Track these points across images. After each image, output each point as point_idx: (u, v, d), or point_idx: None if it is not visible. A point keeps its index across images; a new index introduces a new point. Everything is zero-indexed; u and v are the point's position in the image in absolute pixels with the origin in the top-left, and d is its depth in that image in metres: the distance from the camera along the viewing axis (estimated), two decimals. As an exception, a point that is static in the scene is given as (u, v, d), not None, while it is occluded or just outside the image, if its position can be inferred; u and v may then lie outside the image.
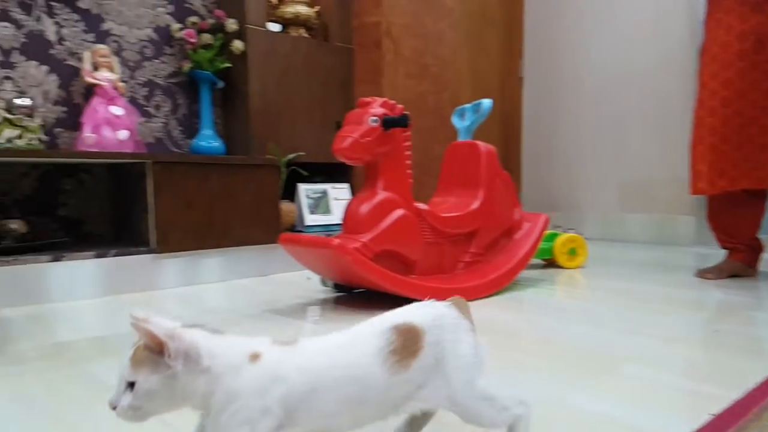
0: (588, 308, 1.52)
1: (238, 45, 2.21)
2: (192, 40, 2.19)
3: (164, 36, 2.26)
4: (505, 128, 3.60)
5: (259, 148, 2.28)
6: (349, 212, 1.53)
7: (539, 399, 0.86)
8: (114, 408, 0.55)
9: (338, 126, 1.54)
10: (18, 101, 1.84)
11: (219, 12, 2.26)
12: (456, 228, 1.67)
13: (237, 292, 1.88)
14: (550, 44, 3.46)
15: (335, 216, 2.52)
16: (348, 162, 1.48)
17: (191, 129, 2.34)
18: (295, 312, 1.59)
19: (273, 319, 1.49)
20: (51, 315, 1.56)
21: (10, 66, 1.92)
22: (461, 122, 1.91)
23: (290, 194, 2.42)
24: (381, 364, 0.58)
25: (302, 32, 2.48)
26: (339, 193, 2.58)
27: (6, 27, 1.91)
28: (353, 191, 2.60)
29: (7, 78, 1.92)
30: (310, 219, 2.45)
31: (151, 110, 2.25)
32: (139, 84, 2.20)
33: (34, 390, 0.97)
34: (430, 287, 1.55)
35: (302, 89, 2.42)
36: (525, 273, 2.07)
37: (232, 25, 2.22)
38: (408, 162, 1.57)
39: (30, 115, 1.86)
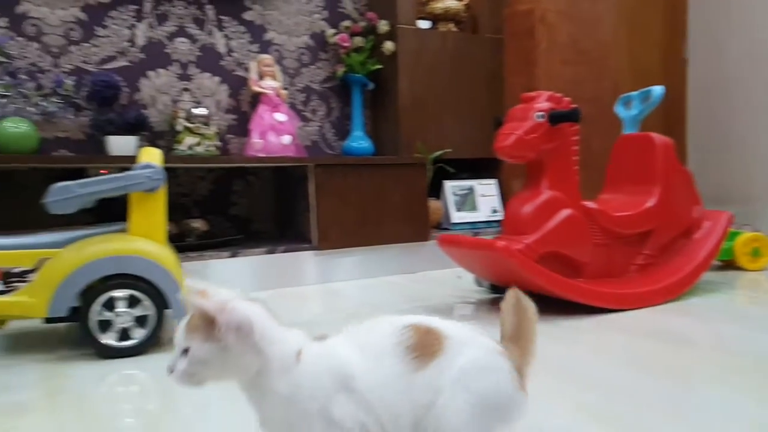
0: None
1: (388, 46, 2.26)
2: (345, 44, 2.28)
3: (319, 42, 2.38)
4: (668, 115, 3.31)
5: (407, 146, 2.32)
6: (511, 212, 1.50)
7: (722, 413, 0.78)
8: (171, 372, 0.57)
9: (498, 123, 1.51)
10: (195, 111, 2.05)
11: (371, 14, 2.33)
12: (628, 228, 1.57)
13: (389, 288, 1.93)
14: (717, 21, 3.11)
15: (482, 213, 2.50)
16: (510, 160, 1.45)
17: (343, 131, 2.45)
18: (450, 310, 1.60)
19: (428, 315, 1.51)
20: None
21: (188, 78, 2.14)
22: (627, 111, 1.79)
23: (436, 191, 2.44)
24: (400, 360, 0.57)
25: (451, 27, 2.48)
26: (486, 190, 2.55)
27: (183, 42, 2.13)
28: (501, 187, 2.56)
29: (186, 89, 2.14)
30: (457, 216, 2.45)
31: (308, 115, 2.38)
32: (297, 90, 2.34)
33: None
34: (599, 292, 1.47)
35: (450, 85, 2.43)
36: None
37: (383, 26, 2.28)
38: (575, 158, 1.50)
39: (206, 124, 2.05)
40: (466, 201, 2.50)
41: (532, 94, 1.48)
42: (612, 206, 1.59)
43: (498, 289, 1.70)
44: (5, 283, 1.16)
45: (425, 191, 2.23)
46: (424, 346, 0.59)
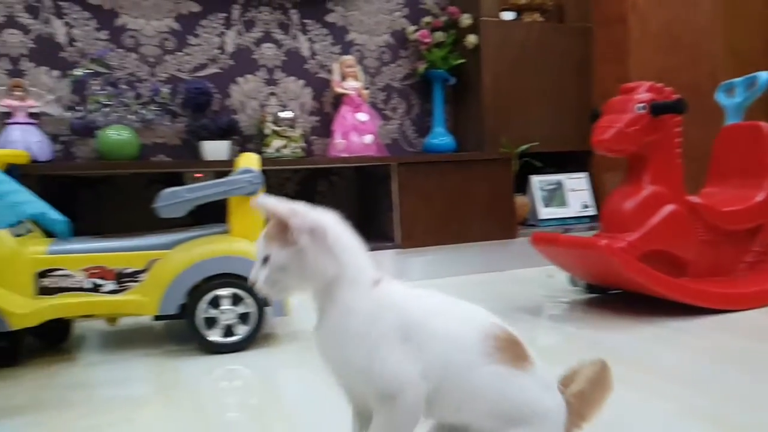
0: None
1: (471, 39, 2.25)
2: (426, 40, 2.30)
3: (400, 39, 2.40)
4: (774, 100, 3.09)
5: (491, 141, 2.30)
6: (611, 208, 1.46)
7: None
8: (254, 283, 0.60)
9: (594, 116, 1.47)
10: (282, 114, 2.13)
11: (452, 8, 2.33)
12: (736, 223, 1.50)
13: (474, 287, 1.93)
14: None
15: (572, 209, 2.44)
16: (610, 154, 1.42)
17: (423, 128, 2.46)
18: (538, 310, 1.58)
19: (517, 316, 1.50)
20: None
21: (274, 83, 2.22)
22: (729, 99, 1.70)
23: (523, 187, 2.40)
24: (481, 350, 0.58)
25: (536, 17, 2.43)
26: (576, 184, 2.49)
27: (270, 47, 2.21)
28: (592, 181, 2.49)
29: (272, 94, 2.22)
30: (545, 212, 2.41)
31: (389, 113, 2.41)
32: (378, 89, 2.38)
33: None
34: (705, 291, 1.41)
35: (536, 76, 2.38)
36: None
37: (466, 20, 2.27)
38: (678, 151, 1.44)
39: (292, 126, 2.13)
40: (555, 196, 2.45)
41: (632, 84, 1.43)
42: (718, 201, 1.52)
43: (595, 289, 1.67)
44: (118, 282, 1.26)
45: (511, 187, 2.20)
46: (515, 354, 0.60)
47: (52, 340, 1.38)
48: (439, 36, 2.31)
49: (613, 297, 1.65)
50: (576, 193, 2.47)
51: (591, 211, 2.46)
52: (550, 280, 1.94)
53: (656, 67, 2.36)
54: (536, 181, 2.43)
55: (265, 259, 0.59)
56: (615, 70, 2.36)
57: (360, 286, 0.59)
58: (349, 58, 2.22)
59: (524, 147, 2.31)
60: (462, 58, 2.32)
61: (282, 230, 0.58)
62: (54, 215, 1.10)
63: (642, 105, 1.37)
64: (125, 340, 1.44)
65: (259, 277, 0.60)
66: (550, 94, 2.42)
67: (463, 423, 0.60)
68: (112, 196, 1.99)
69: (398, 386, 0.56)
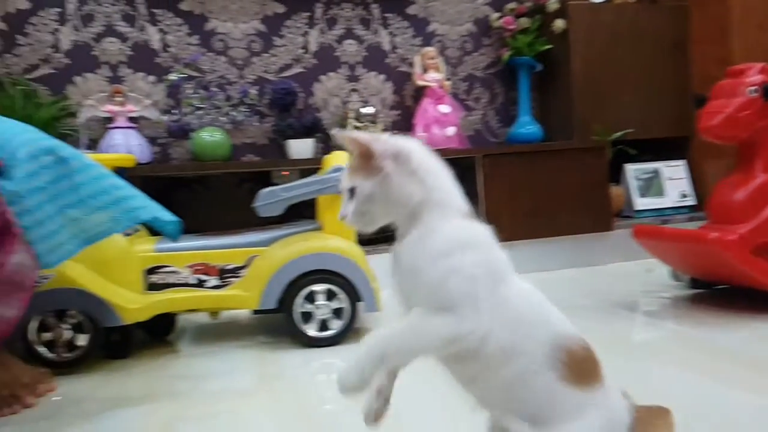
0: None
1: (559, 24, 2.20)
2: (511, 27, 2.27)
3: (482, 28, 2.39)
4: None
5: (581, 129, 2.24)
6: (720, 199, 1.40)
7: None
8: (343, 218, 0.60)
9: (699, 101, 1.41)
10: (363, 110, 2.17)
11: (539, -7, 2.29)
12: None
13: (566, 283, 1.90)
14: None
15: (669, 198, 2.34)
16: (718, 141, 1.36)
17: (507, 117, 2.43)
18: (634, 306, 1.53)
19: (613, 312, 1.47)
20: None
21: (356, 79, 2.27)
22: None
23: (616, 176, 2.33)
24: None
25: (628, -3, 2.35)
26: (673, 172, 2.38)
27: (351, 44, 2.26)
28: (691, 169, 2.37)
29: (354, 90, 2.27)
30: (641, 203, 2.32)
31: (471, 103, 2.40)
32: (459, 79, 2.38)
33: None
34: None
35: (628, 60, 2.30)
36: None
37: (553, 4, 2.22)
38: (795, 136, 1.36)
39: (373, 122, 2.17)
40: (651, 185, 2.36)
41: (741, 66, 1.37)
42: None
43: (700, 284, 1.60)
44: (221, 278, 1.34)
45: (606, 177, 2.14)
46: (582, 370, 0.58)
47: (158, 333, 1.49)
48: (524, 22, 2.28)
49: (719, 292, 1.58)
50: (674, 182, 2.36)
51: (690, 201, 2.35)
52: (650, 274, 1.88)
53: (762, 46, 2.21)
54: (631, 169, 2.34)
55: (351, 193, 0.59)
56: (715, 50, 2.24)
57: (449, 211, 0.58)
58: (430, 50, 2.24)
59: (618, 134, 2.23)
60: (549, 43, 2.28)
61: (365, 161, 0.58)
62: (166, 216, 1.18)
63: (754, 88, 1.31)
64: (221, 332, 1.53)
65: (347, 211, 0.60)
66: (644, 78, 2.33)
67: (491, 407, 0.60)
68: (205, 195, 2.11)
69: (463, 306, 0.54)
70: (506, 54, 2.32)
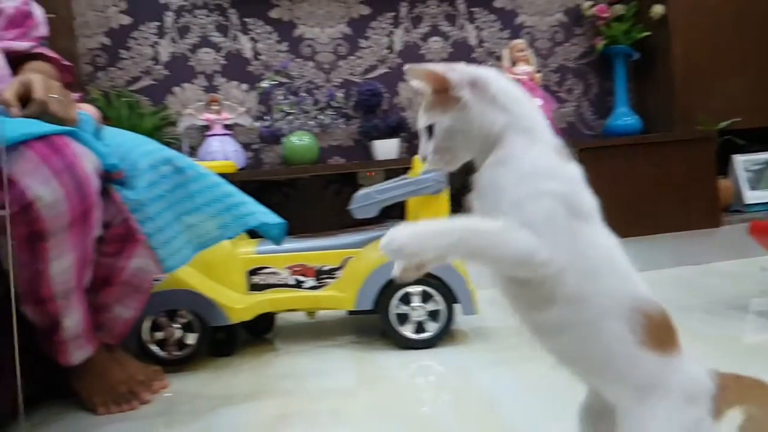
0: None
1: (657, 9, 2.11)
2: (604, 15, 2.20)
3: (574, 17, 2.33)
4: None
5: (684, 120, 2.14)
6: None
7: None
8: (424, 159, 0.58)
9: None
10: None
11: (633, -21, 2.21)
12: None
13: (671, 282, 1.82)
14: None
15: (786, 191, 2.19)
16: None
17: (603, 108, 2.36)
18: (744, 307, 1.44)
19: (722, 312, 1.40)
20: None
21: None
22: None
23: (723, 168, 2.20)
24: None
25: (734, -24, 2.21)
26: (789, 163, 2.23)
27: (436, 41, 2.27)
28: (812, 158, 2.21)
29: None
30: (751, 196, 2.19)
31: (563, 95, 2.35)
32: (550, 71, 2.33)
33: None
34: None
35: (735, 45, 2.17)
36: None
37: (649, -11, 2.14)
38: None
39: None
40: (762, 177, 2.22)
41: None
42: None
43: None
44: (317, 279, 1.39)
45: (713, 169, 2.03)
46: (661, 335, 0.56)
47: (258, 332, 1.57)
48: (619, 9, 2.20)
49: None
50: (793, 172, 2.21)
51: (808, 194, 2.19)
52: (765, 273, 1.77)
53: None
54: (740, 161, 2.22)
55: (430, 131, 0.59)
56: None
57: (536, 136, 0.57)
58: (519, 42, 2.20)
59: (725, 123, 2.11)
60: (646, 30, 2.19)
61: (441, 94, 0.58)
62: (273, 219, 1.24)
63: None
64: (317, 331, 1.59)
65: (427, 150, 0.60)
66: (754, 64, 2.19)
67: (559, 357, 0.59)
68: (295, 197, 2.19)
69: (544, 233, 0.53)
70: (600, 43, 2.25)
